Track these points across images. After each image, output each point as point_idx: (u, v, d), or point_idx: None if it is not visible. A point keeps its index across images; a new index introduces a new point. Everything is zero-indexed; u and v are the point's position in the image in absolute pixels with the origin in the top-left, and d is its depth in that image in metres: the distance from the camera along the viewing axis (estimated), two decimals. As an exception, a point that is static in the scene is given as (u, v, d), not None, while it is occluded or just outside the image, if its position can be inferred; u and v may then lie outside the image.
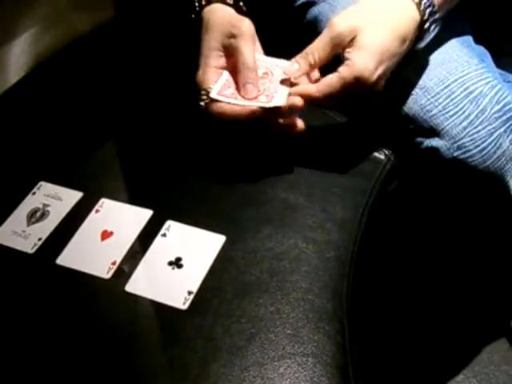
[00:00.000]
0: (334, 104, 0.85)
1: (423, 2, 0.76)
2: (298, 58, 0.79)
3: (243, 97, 0.80)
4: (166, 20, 0.84)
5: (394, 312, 1.24)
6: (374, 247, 0.89)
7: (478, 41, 0.90)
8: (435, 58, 0.84)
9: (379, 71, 0.75)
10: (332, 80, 0.76)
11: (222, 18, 0.81)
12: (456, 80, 0.82)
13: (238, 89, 0.80)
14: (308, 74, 0.81)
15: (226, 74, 0.82)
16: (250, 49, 0.80)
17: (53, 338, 0.73)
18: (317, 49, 0.77)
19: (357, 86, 0.75)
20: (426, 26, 0.77)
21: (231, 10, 0.83)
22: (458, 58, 0.84)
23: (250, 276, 0.76)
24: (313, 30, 0.94)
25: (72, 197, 0.86)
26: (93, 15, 1.02)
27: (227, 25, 0.80)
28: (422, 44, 0.79)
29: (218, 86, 0.81)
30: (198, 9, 0.82)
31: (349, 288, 0.78)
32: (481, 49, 0.89)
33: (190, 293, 0.75)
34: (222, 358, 0.70)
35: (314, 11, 0.94)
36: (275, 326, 0.72)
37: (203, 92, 0.80)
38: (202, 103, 0.80)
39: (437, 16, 0.77)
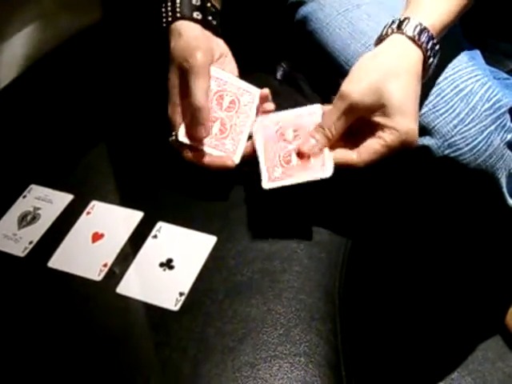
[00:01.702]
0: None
1: (423, 40, 0.74)
2: (314, 132, 0.77)
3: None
4: (153, 22, 0.83)
5: (387, 311, 1.24)
6: (366, 246, 0.89)
7: (468, 38, 0.90)
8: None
9: (418, 124, 0.75)
10: (376, 147, 0.74)
11: (181, 47, 0.78)
12: (446, 78, 0.82)
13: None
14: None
15: None
16: (199, 86, 0.77)
17: (45, 340, 0.73)
18: (333, 122, 0.75)
19: (402, 148, 0.74)
20: (430, 60, 0.76)
21: (196, 31, 0.80)
22: (448, 56, 0.84)
23: (242, 276, 0.76)
24: (302, 29, 0.94)
25: (63, 199, 0.85)
26: (82, 17, 1.02)
27: (181, 58, 0.78)
28: (426, 78, 0.78)
29: (184, 129, 0.80)
30: (164, 25, 0.81)
31: (341, 287, 0.78)
32: (471, 46, 0.89)
33: (181, 294, 0.74)
34: (214, 359, 0.70)
35: (304, 10, 0.94)
36: (267, 326, 0.72)
37: (174, 137, 0.81)
38: (175, 146, 0.81)
39: (437, 47, 0.76)
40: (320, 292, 0.76)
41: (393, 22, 0.76)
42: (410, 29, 0.74)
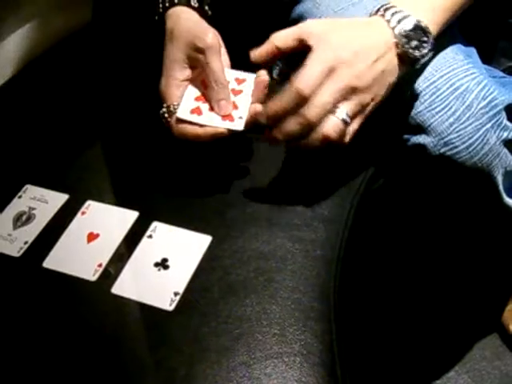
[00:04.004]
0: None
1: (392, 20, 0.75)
2: (263, 45, 0.78)
3: (214, 113, 0.80)
4: (144, 19, 0.83)
5: (383, 310, 1.24)
6: (361, 245, 0.89)
7: (464, 36, 0.90)
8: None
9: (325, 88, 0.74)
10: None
11: (186, 26, 0.79)
12: (442, 76, 0.82)
13: (209, 105, 0.80)
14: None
15: (192, 90, 0.82)
16: (219, 64, 0.79)
17: (40, 340, 0.73)
18: (281, 36, 0.77)
19: (294, 104, 0.73)
20: (406, 47, 0.76)
21: (195, 16, 0.81)
22: (443, 53, 0.84)
23: (237, 276, 0.76)
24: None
25: (58, 199, 0.85)
26: (76, 18, 1.02)
27: (191, 35, 0.78)
28: (418, 65, 0.78)
29: (185, 104, 0.80)
30: (161, 10, 0.81)
31: (336, 287, 0.78)
32: (467, 44, 0.89)
33: (176, 294, 0.74)
34: (209, 359, 0.70)
35: (299, 9, 0.94)
36: (262, 326, 0.72)
37: (165, 109, 0.80)
38: (164, 120, 0.81)
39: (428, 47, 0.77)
40: (315, 291, 0.76)
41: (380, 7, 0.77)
42: (389, 14, 0.76)
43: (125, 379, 0.70)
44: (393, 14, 0.75)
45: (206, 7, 0.82)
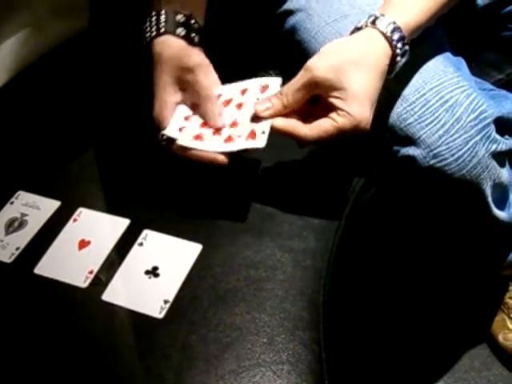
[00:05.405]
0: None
1: (394, 38, 0.76)
2: (272, 96, 0.79)
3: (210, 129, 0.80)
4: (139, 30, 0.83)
5: (371, 319, 1.24)
6: (352, 255, 0.89)
7: (454, 48, 0.91)
8: (411, 66, 0.85)
9: (372, 114, 0.76)
10: (327, 127, 0.75)
11: (172, 51, 0.80)
12: (432, 89, 0.83)
13: (202, 124, 0.81)
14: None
15: (185, 110, 0.82)
16: (209, 80, 0.81)
17: (30, 346, 0.73)
18: (292, 91, 0.77)
19: (352, 133, 0.75)
20: (398, 59, 0.78)
21: (181, 42, 0.81)
22: (433, 66, 0.85)
23: (227, 284, 0.77)
24: (291, 38, 0.95)
25: (50, 206, 0.86)
26: (73, 23, 1.02)
27: (178, 58, 0.79)
28: (393, 74, 0.79)
29: (178, 128, 0.80)
30: (148, 39, 0.81)
31: (325, 296, 0.79)
32: (457, 57, 0.90)
33: (166, 302, 0.75)
34: (198, 367, 0.70)
35: (292, 20, 0.95)
36: (251, 335, 0.73)
37: (163, 134, 0.81)
38: (164, 143, 0.81)
39: (407, 47, 0.78)
40: (304, 301, 0.77)
41: (369, 16, 0.78)
42: (383, 25, 0.76)
43: (114, 386, 0.71)
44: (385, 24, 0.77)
45: (193, 34, 0.82)
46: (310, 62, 0.76)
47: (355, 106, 0.74)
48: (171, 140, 0.80)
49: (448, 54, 0.88)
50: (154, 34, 0.80)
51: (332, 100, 0.75)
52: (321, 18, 0.91)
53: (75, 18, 1.02)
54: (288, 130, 0.77)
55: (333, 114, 0.75)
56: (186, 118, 0.82)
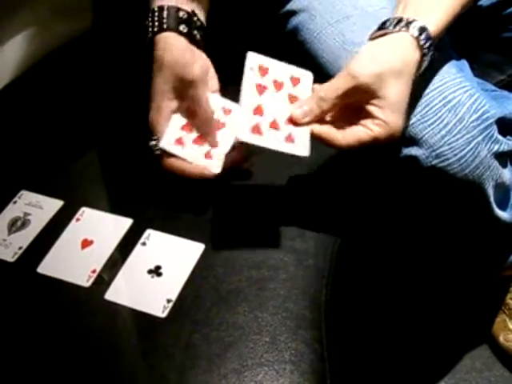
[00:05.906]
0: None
1: (426, 46, 0.75)
2: (309, 100, 0.77)
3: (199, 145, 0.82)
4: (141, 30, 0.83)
5: (373, 319, 1.24)
6: (353, 255, 0.89)
7: (455, 49, 0.91)
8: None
9: (404, 123, 0.77)
10: (361, 135, 0.74)
11: (173, 57, 0.79)
12: (434, 89, 0.83)
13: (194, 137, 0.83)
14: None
15: (179, 120, 0.83)
16: (206, 97, 0.82)
17: (33, 345, 0.74)
18: (332, 96, 0.75)
19: (385, 142, 0.75)
20: (423, 64, 0.77)
21: (184, 42, 0.81)
22: (436, 67, 0.85)
23: (229, 284, 0.77)
24: (293, 39, 0.95)
25: (53, 205, 0.86)
26: (76, 24, 1.02)
27: (178, 67, 0.79)
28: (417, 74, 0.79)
29: (171, 138, 0.81)
30: (150, 35, 0.81)
31: (327, 295, 0.79)
32: (459, 58, 0.90)
33: (169, 301, 0.75)
34: (201, 366, 0.70)
35: (295, 20, 0.95)
36: (253, 334, 0.73)
37: (154, 142, 0.82)
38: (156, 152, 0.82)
39: (432, 50, 0.77)
40: (306, 300, 0.77)
41: (400, 20, 0.76)
42: (416, 31, 0.75)
43: (116, 385, 0.71)
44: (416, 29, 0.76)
45: (195, 31, 0.82)
46: (356, 67, 0.74)
47: (391, 116, 0.74)
48: (165, 152, 0.81)
49: (451, 55, 0.88)
50: (156, 29, 0.80)
51: (369, 107, 0.74)
52: (323, 18, 0.91)
53: (78, 19, 1.02)
54: (323, 136, 0.76)
55: (367, 122, 0.74)
56: (182, 128, 0.82)
